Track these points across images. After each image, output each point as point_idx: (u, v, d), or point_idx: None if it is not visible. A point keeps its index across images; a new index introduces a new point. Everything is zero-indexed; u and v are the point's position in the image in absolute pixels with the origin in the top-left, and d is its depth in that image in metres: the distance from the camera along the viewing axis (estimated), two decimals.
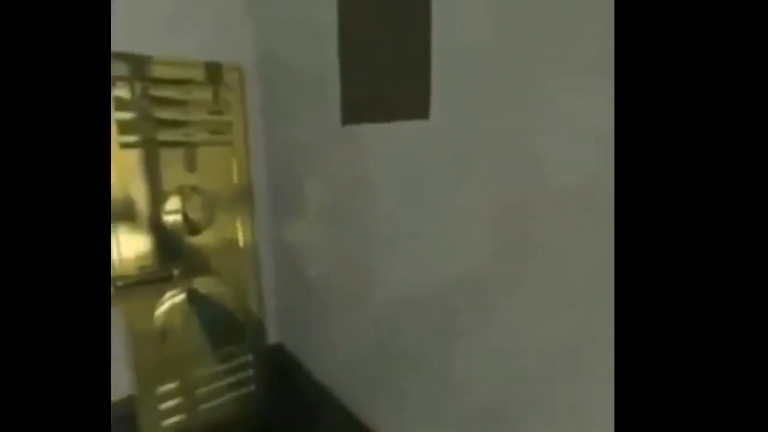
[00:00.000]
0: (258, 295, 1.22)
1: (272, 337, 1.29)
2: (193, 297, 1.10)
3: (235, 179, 1.12)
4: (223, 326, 1.16)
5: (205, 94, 1.04)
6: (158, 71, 0.95)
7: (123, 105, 0.92)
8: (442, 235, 0.65)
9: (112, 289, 0.94)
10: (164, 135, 0.99)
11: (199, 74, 1.01)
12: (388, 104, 0.72)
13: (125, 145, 0.94)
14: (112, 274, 0.96)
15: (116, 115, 0.91)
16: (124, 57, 0.90)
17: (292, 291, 1.19)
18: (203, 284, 1.11)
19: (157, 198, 1.00)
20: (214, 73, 1.04)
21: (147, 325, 1.04)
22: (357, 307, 0.90)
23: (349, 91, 0.81)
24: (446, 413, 0.71)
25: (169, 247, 1.04)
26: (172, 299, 1.07)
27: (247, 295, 1.20)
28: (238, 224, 1.15)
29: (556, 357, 0.52)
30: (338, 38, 0.80)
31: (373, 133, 0.76)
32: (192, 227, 1.06)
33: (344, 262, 0.91)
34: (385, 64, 0.71)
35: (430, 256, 0.69)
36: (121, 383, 1.03)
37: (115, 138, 0.92)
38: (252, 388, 1.25)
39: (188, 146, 1.03)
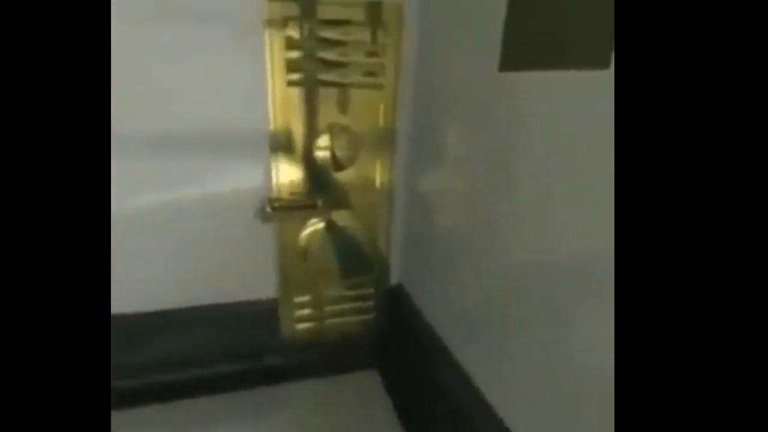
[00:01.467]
0: (387, 235, 1.29)
1: (394, 276, 1.37)
2: (331, 227, 1.22)
3: (381, 122, 1.15)
4: (352, 257, 1.27)
5: (363, 35, 1.05)
6: (325, 12, 0.99)
7: (292, 44, 1.00)
8: (585, 206, 0.57)
9: (267, 209, 1.10)
10: (324, 75, 1.05)
11: (360, 14, 1.03)
12: (558, 50, 0.62)
13: (291, 83, 1.03)
14: (270, 196, 1.12)
15: (285, 54, 1.00)
16: None
17: (420, 236, 1.23)
18: (341, 217, 1.22)
19: (311, 134, 1.10)
20: (373, 13, 1.04)
21: (293, 243, 1.20)
22: (481, 261, 0.88)
23: (513, 34, 0.72)
24: (549, 387, 0.67)
25: (317, 180, 1.15)
26: (315, 226, 1.21)
27: (378, 234, 1.28)
28: (378, 165, 1.20)
29: None
30: None
31: (530, 83, 0.67)
32: (337, 164, 1.15)
33: (476, 215, 0.89)
34: (560, 3, 0.60)
35: (565, 225, 0.61)
36: (269, 286, 1.24)
37: (284, 76, 1.02)
38: (371, 316, 1.37)
39: (343, 87, 1.08)
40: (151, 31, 0.91)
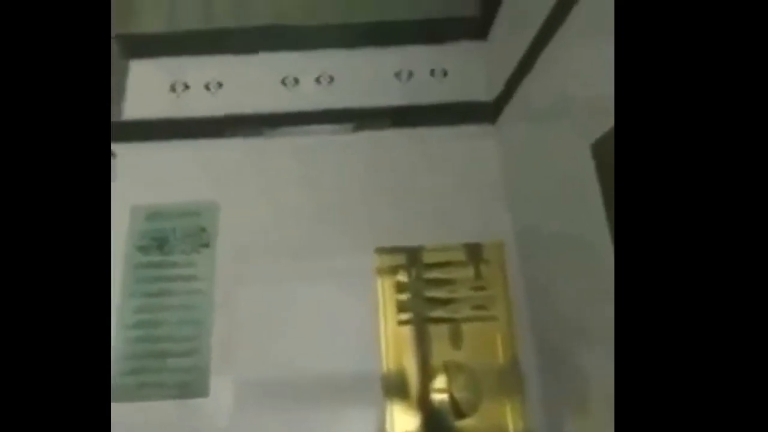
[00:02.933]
0: None
1: None
2: None
3: (501, 357, 1.05)
4: None
5: (467, 272, 1.12)
6: (430, 257, 1.12)
7: (401, 288, 1.10)
8: None
9: None
10: (433, 312, 1.09)
11: (461, 255, 1.13)
12: None
13: (402, 323, 1.07)
14: None
15: (396, 297, 1.09)
16: (403, 250, 1.12)
17: None
18: None
19: (426, 374, 1.04)
20: (475, 252, 1.13)
21: None
22: None
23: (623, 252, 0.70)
24: None
25: (437, 428, 0.99)
26: None
27: None
28: (508, 410, 1.01)
29: None
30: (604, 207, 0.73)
31: None
32: (457, 409, 1.01)
33: None
34: None
35: None
36: None
37: (394, 316, 1.08)
38: None
39: (454, 322, 1.08)
40: (274, 286, 1.12)
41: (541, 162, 1.00)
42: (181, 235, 1.14)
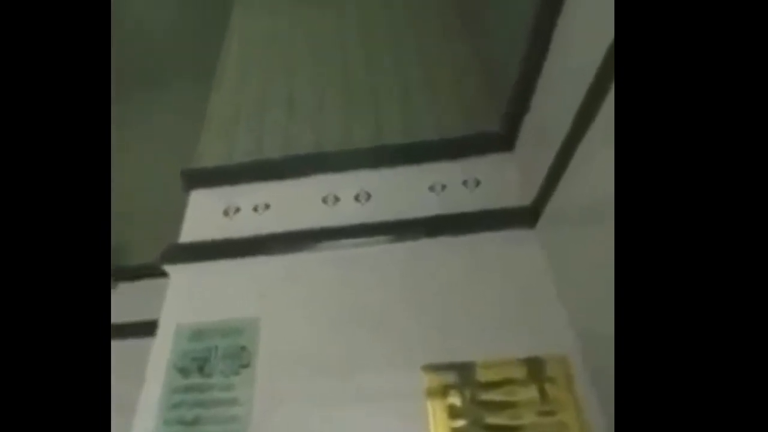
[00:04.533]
0: None
1: None
2: None
3: None
4: None
5: (530, 393, 0.98)
6: (484, 375, 1.01)
7: (456, 413, 0.97)
8: None
9: None
10: None
11: (520, 372, 1.00)
12: None
13: None
14: None
15: (451, 424, 0.95)
16: (454, 367, 1.02)
17: None
18: None
19: None
20: (536, 369, 1.01)
21: None
22: None
23: None
24: None
25: None
26: None
27: None
28: None
29: None
30: None
31: None
32: None
33: None
34: None
35: None
36: None
37: None
38: None
39: None
40: (313, 408, 1.00)
41: (590, 264, 0.94)
42: (222, 354, 1.10)
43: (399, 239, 1.25)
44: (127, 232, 2.02)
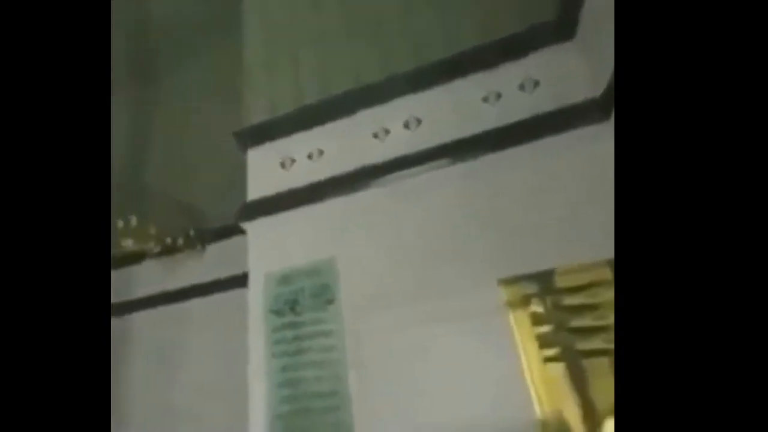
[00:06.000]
0: None
1: None
2: None
3: None
4: None
5: (612, 293, 0.96)
6: (564, 281, 0.99)
7: (540, 320, 0.98)
8: None
9: None
10: (584, 344, 0.94)
11: (604, 273, 0.98)
12: None
13: (548, 359, 0.94)
14: None
15: (535, 331, 0.97)
16: (532, 277, 1.01)
17: None
18: None
19: (592, 418, 0.88)
20: None
21: None
22: None
23: None
24: None
25: None
26: None
27: None
28: None
29: None
30: None
31: None
32: None
33: None
34: None
35: None
36: None
37: (537, 353, 0.95)
38: None
39: (612, 354, 0.91)
40: (401, 336, 1.07)
41: None
42: (308, 294, 1.20)
43: (459, 159, 1.20)
44: (204, 198, 2.19)
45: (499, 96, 1.23)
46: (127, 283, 2.20)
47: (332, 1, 1.62)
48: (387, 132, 1.33)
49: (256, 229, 1.38)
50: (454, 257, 1.11)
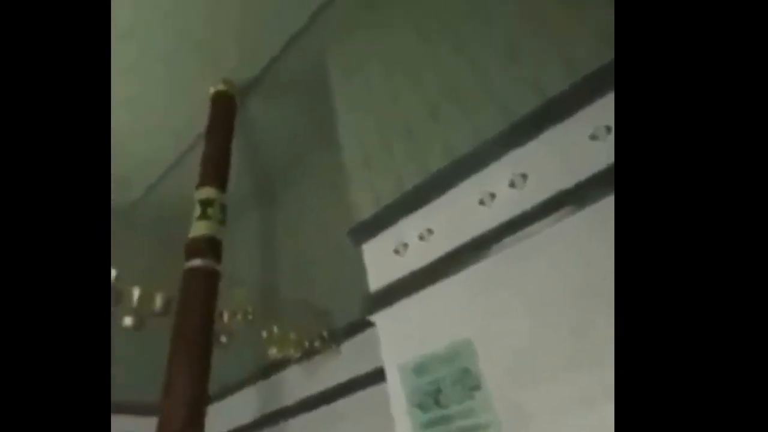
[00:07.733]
0: None
1: None
2: None
3: None
4: None
5: None
6: None
7: None
8: None
9: None
10: None
11: None
12: None
13: None
14: None
15: None
16: None
17: None
18: None
19: None
20: None
21: None
22: None
23: None
24: None
25: None
26: None
27: None
28: None
29: None
30: None
31: None
32: None
33: None
34: None
35: None
36: None
37: None
38: None
39: None
40: (563, 415, 0.90)
41: None
42: (450, 382, 1.11)
43: (578, 208, 1.09)
44: (329, 298, 2.31)
45: (609, 130, 1.12)
46: (278, 390, 2.33)
47: (408, 89, 1.74)
48: (493, 196, 1.29)
49: (382, 320, 1.38)
50: (599, 319, 0.95)
